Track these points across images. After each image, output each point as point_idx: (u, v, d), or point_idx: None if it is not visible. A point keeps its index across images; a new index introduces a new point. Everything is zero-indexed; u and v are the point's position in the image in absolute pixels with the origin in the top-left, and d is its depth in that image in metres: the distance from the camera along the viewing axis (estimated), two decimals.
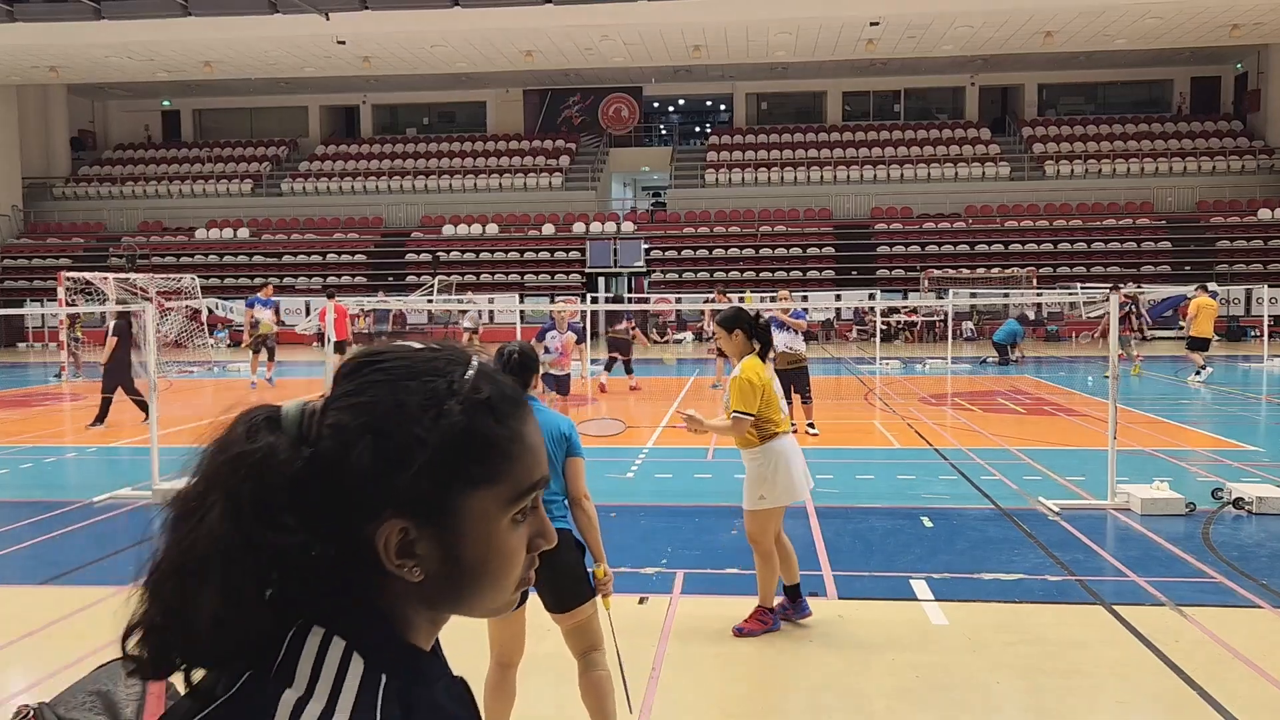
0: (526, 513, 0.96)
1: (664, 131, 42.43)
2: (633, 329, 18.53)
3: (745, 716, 4.56)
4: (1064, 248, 32.42)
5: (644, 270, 33.54)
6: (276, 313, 19.09)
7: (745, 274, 32.50)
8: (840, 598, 5.98)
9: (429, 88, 38.54)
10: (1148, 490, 8.04)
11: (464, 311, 27.12)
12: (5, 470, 10.62)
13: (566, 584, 3.70)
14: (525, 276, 33.49)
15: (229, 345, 29.86)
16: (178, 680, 0.92)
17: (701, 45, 29.67)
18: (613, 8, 26.24)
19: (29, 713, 1.04)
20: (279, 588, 0.88)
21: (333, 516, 0.88)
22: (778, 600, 5.56)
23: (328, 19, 26.43)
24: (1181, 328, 27.46)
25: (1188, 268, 30.82)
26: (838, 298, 30.15)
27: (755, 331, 5.32)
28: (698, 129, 42.58)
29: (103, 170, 39.29)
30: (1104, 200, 34.35)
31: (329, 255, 34.88)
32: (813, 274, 32.65)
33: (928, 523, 7.81)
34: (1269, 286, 25.69)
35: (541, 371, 5.55)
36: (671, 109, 42.87)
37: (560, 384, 13.10)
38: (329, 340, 13.47)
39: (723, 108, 41.58)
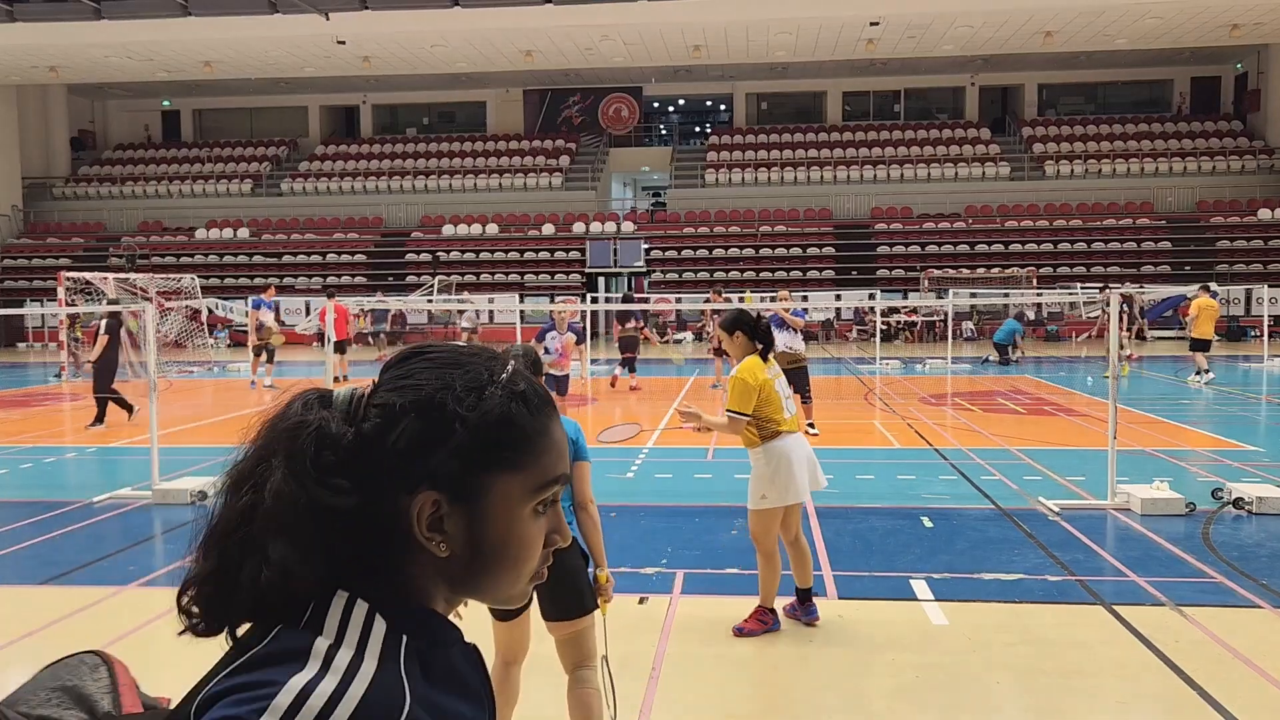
0: (547, 506, 1.03)
1: (664, 131, 42.44)
2: (640, 328, 18.56)
3: (745, 716, 4.56)
4: (1064, 248, 32.42)
5: (644, 270, 33.54)
6: (276, 313, 19.09)
7: (745, 274, 32.50)
8: (840, 598, 5.98)
9: (429, 88, 38.54)
10: (1148, 490, 8.04)
11: (461, 312, 27.13)
12: (5, 470, 10.62)
13: (568, 591, 3.66)
14: (525, 276, 33.49)
15: (229, 345, 29.87)
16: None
17: (701, 45, 29.67)
18: (613, 8, 26.24)
19: None
20: (329, 548, 0.95)
21: (374, 488, 0.95)
22: (787, 601, 5.57)
23: (328, 19, 26.43)
24: (1182, 327, 27.54)
25: (1188, 268, 30.83)
26: (838, 298, 30.15)
27: (756, 332, 5.35)
28: (698, 129, 42.59)
29: (103, 170, 39.30)
30: (1104, 200, 34.36)
31: (329, 255, 34.89)
32: (813, 274, 32.65)
33: (928, 523, 7.81)
34: (1269, 286, 25.70)
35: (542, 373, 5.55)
36: (671, 109, 42.87)
37: (559, 384, 13.09)
38: (329, 340, 13.46)
39: (723, 108, 41.59)
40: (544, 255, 34.23)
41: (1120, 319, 19.18)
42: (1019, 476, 9.49)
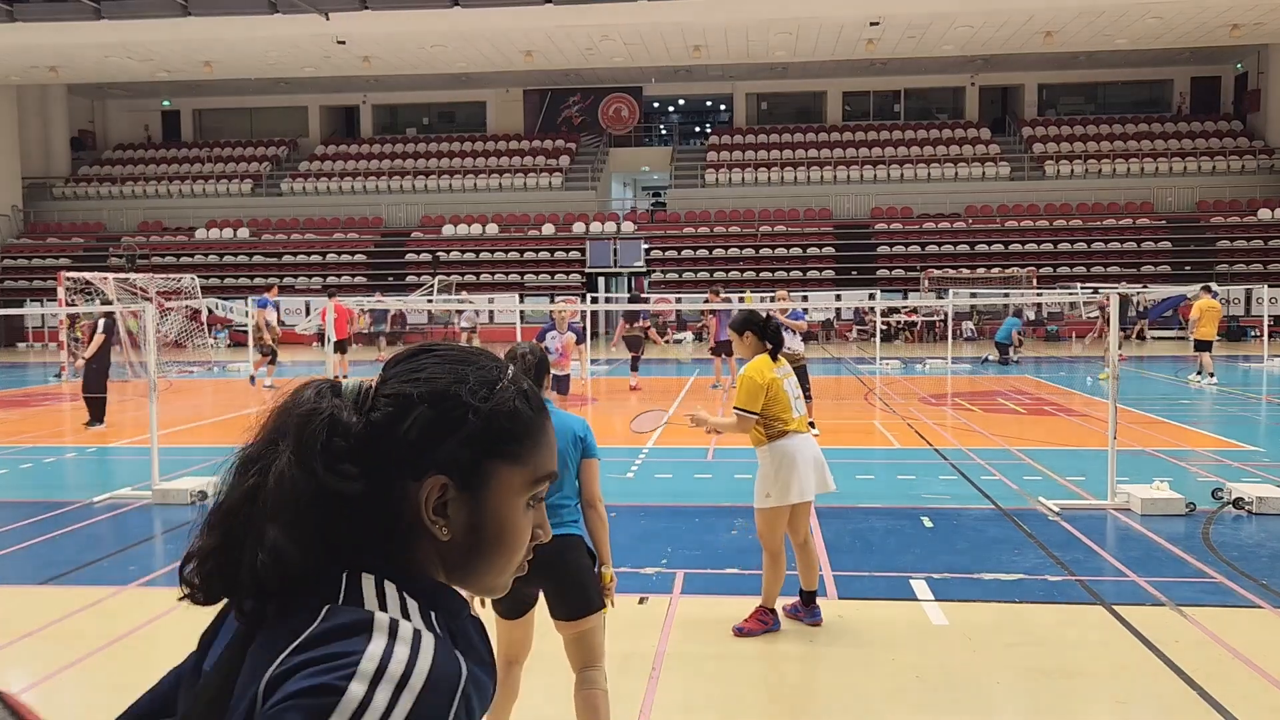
0: (537, 500, 1.11)
1: (664, 131, 42.44)
2: (647, 328, 18.58)
3: (745, 716, 4.56)
4: (1064, 248, 32.42)
5: (644, 270, 33.54)
6: (277, 313, 19.09)
7: (745, 274, 32.50)
8: (840, 598, 5.98)
9: (429, 88, 38.54)
10: (1148, 490, 8.04)
11: (460, 311, 27.13)
12: (5, 470, 10.62)
13: (576, 590, 3.65)
14: (525, 276, 33.49)
15: (229, 345, 29.88)
16: (160, 669, 1.07)
17: (701, 45, 29.67)
18: (613, 8, 26.24)
19: None
20: (328, 533, 0.99)
21: (381, 474, 1.01)
22: (790, 601, 5.57)
23: (328, 19, 26.43)
24: (1182, 327, 27.54)
25: (1188, 268, 30.83)
26: (838, 298, 30.15)
27: (766, 332, 5.36)
28: (698, 129, 42.59)
29: (103, 170, 39.29)
30: (1104, 200, 34.36)
31: (329, 255, 34.89)
32: (813, 274, 32.65)
33: (928, 523, 7.81)
34: (1269, 286, 25.70)
35: None
36: (671, 109, 42.87)
37: (560, 384, 13.05)
38: (329, 340, 13.46)
39: (723, 108, 41.58)
40: (544, 255, 34.23)
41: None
42: (1019, 476, 9.48)
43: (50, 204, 38.18)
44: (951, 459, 10.45)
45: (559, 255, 34.11)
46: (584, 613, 3.66)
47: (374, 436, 1.01)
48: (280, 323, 19.52)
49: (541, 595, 3.76)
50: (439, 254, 33.93)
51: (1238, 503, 8.03)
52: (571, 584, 3.65)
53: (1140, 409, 13.89)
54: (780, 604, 5.52)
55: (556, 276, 33.33)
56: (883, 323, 27.17)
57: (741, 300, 20.02)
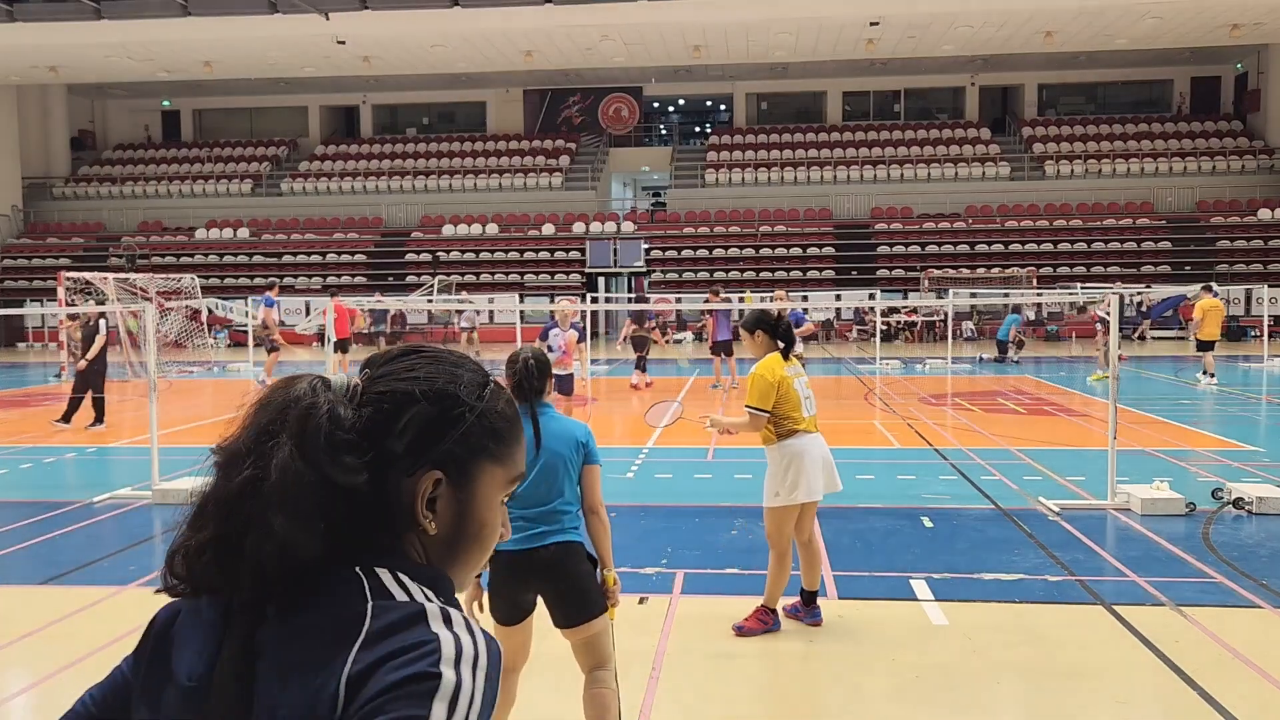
0: (508, 499, 1.16)
1: (664, 131, 42.43)
2: (652, 329, 18.61)
3: (745, 716, 4.56)
4: (1064, 248, 32.42)
5: (644, 270, 33.54)
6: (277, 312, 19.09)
7: (745, 274, 32.50)
8: (840, 598, 5.98)
9: (429, 88, 38.53)
10: (1148, 490, 8.04)
11: (460, 311, 27.13)
12: (5, 470, 10.62)
13: (577, 596, 3.63)
14: (525, 276, 33.48)
15: (229, 345, 29.87)
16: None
17: (701, 45, 29.66)
18: (613, 8, 26.23)
19: None
20: (331, 525, 1.01)
21: (377, 468, 1.03)
22: (790, 601, 5.57)
23: (328, 19, 26.43)
24: (1182, 327, 27.53)
25: (1188, 268, 30.83)
26: (838, 298, 30.14)
27: (777, 331, 5.37)
28: (698, 129, 42.58)
29: (102, 170, 39.29)
30: (1104, 200, 34.35)
31: (329, 255, 34.88)
32: (813, 274, 32.65)
33: (928, 523, 7.81)
34: (1269, 286, 25.70)
35: None
36: (671, 109, 42.86)
37: (563, 384, 12.98)
38: (329, 340, 13.46)
39: (723, 108, 41.58)
40: (544, 255, 34.22)
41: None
42: (1019, 476, 9.48)
43: (50, 204, 38.17)
44: (951, 459, 10.45)
45: (559, 255, 34.11)
46: (585, 618, 3.63)
47: (369, 431, 1.03)
48: (280, 322, 19.50)
49: (541, 602, 3.75)
50: (439, 254, 33.92)
51: (1238, 503, 8.03)
52: (572, 590, 3.63)
53: (1140, 409, 13.89)
54: (781, 604, 5.53)
55: (556, 276, 33.32)
56: (883, 323, 27.17)
57: (741, 301, 20.02)
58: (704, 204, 35.66)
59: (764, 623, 5.39)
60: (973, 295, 25.48)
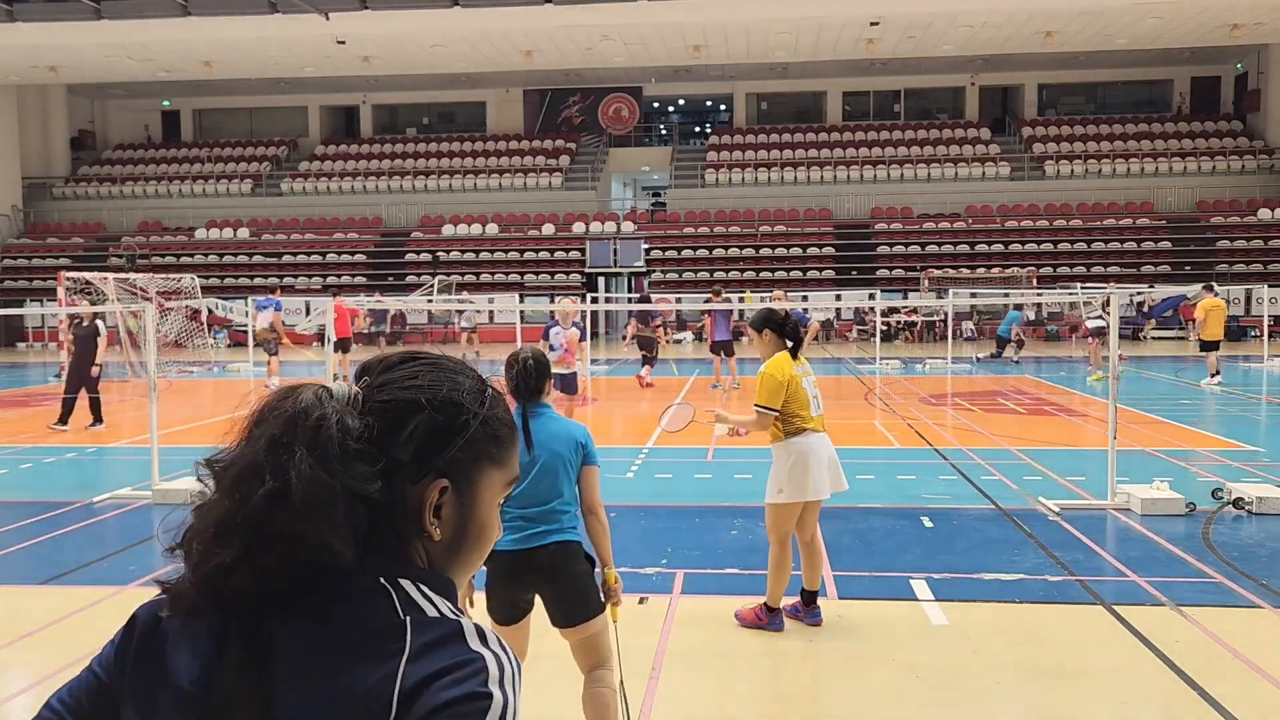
0: (505, 501, 1.18)
1: (664, 131, 42.43)
2: (657, 327, 18.65)
3: (745, 716, 4.56)
4: (1064, 248, 32.41)
5: (644, 270, 33.54)
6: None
7: (745, 274, 32.49)
8: (840, 598, 5.98)
9: (429, 88, 38.52)
10: (1148, 490, 8.03)
11: (460, 312, 27.11)
12: (5, 470, 10.62)
13: (574, 597, 3.63)
14: (525, 276, 33.48)
15: (229, 345, 29.87)
16: None
17: (701, 45, 29.66)
18: (613, 8, 26.22)
19: None
20: (354, 534, 1.02)
21: (384, 476, 1.03)
22: (791, 601, 5.57)
23: (328, 19, 26.42)
24: (1182, 327, 27.54)
25: (1188, 268, 30.82)
26: (838, 298, 30.14)
27: (785, 330, 5.38)
28: (698, 129, 42.57)
29: (102, 170, 39.28)
30: (1104, 200, 34.35)
31: (329, 255, 34.88)
32: (813, 274, 32.64)
33: (928, 523, 7.81)
34: (1269, 286, 25.69)
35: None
36: (671, 109, 42.86)
37: (567, 383, 12.92)
38: (329, 339, 13.44)
39: (723, 108, 41.57)
40: (544, 255, 34.22)
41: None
42: (1019, 476, 9.48)
43: (50, 204, 38.17)
44: (951, 459, 10.45)
45: (559, 255, 34.10)
46: (584, 618, 3.63)
47: (375, 440, 1.04)
48: (281, 323, 19.49)
49: (540, 602, 3.75)
50: (439, 254, 33.93)
51: (1238, 503, 8.03)
52: (570, 590, 3.62)
53: (1140, 409, 13.89)
54: (791, 604, 5.54)
55: (556, 276, 33.32)
56: (883, 323, 27.17)
57: (741, 301, 20.03)
58: (704, 204, 35.66)
59: (761, 620, 5.41)
60: (973, 295, 25.49)
